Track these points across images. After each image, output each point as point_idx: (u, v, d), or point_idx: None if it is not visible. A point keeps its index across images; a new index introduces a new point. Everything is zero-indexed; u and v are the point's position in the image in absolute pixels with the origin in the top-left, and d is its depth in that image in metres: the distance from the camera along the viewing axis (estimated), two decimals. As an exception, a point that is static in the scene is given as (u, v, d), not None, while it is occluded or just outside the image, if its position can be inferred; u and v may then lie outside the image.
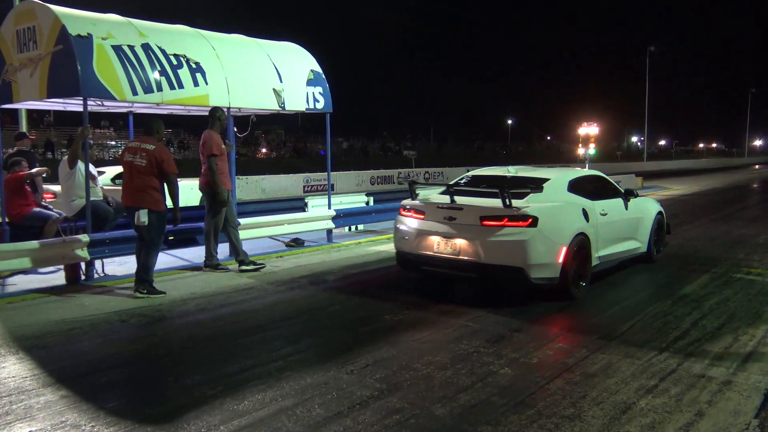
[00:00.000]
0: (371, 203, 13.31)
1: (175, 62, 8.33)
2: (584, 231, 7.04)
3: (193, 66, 8.53)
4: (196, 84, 8.52)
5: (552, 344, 5.35)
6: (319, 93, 10.45)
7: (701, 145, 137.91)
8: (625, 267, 8.51)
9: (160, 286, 7.20)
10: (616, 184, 8.68)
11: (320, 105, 10.47)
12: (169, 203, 7.19)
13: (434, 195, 7.55)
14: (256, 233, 9.69)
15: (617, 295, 7.30)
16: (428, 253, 7.01)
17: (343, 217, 11.12)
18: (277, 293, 7.30)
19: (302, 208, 12.08)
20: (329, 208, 11.26)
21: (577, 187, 7.56)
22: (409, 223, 7.30)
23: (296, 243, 10.53)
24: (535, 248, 6.47)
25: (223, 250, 8.92)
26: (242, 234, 8.93)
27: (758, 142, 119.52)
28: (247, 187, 21.01)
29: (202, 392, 4.33)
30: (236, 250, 8.55)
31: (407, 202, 7.52)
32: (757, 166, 64.71)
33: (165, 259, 8.88)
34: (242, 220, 9.25)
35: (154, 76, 8.03)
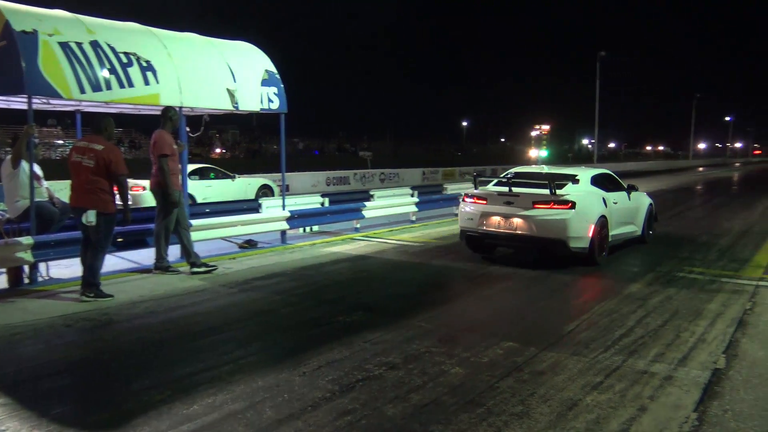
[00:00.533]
0: (326, 204, 13.28)
1: (125, 60, 8.14)
2: (604, 214, 9.05)
3: (144, 64, 8.35)
4: (146, 83, 8.35)
5: (502, 343, 5.43)
6: (274, 93, 10.38)
7: (648, 148, 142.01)
8: (572, 269, 8.70)
9: (107, 289, 7.02)
10: (620, 180, 10.68)
11: (275, 105, 10.39)
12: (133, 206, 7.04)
13: (490, 186, 9.51)
14: (209, 235, 9.55)
15: (565, 294, 7.46)
16: (491, 230, 8.94)
17: (297, 218, 11.05)
18: (229, 295, 7.21)
19: (256, 209, 11.96)
20: (283, 209, 11.18)
21: (597, 181, 9.59)
22: (474, 207, 9.16)
23: (249, 244, 10.42)
24: (574, 225, 8.48)
25: (174, 252, 8.77)
26: (194, 235, 8.79)
27: (702, 145, 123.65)
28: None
29: (150, 397, 4.25)
30: (187, 252, 8.42)
31: (470, 191, 9.43)
32: (701, 168, 66.93)
33: (113, 261, 8.67)
34: (194, 221, 9.10)
35: (103, 74, 7.84)
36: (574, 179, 9.28)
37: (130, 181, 16.33)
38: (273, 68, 10.43)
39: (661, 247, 10.73)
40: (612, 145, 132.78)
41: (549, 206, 8.53)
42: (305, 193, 17.56)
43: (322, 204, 13.24)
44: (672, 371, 4.81)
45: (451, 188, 19.58)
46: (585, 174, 9.63)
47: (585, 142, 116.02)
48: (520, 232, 8.68)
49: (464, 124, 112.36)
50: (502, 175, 9.97)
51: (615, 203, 9.53)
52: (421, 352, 5.19)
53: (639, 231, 10.71)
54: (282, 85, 10.52)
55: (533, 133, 27.10)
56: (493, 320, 6.23)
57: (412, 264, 9.22)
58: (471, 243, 9.47)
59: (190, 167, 15.52)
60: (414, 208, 14.06)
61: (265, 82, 10.22)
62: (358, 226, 12.52)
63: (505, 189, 8.99)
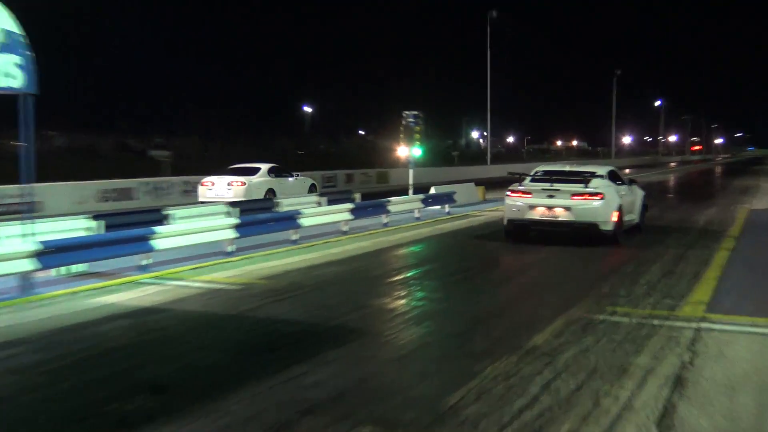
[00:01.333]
0: (98, 230, 12.75)
1: None
2: (620, 203, 15.46)
3: None
4: None
5: (357, 428, 5.42)
6: (16, 65, 9.97)
7: (559, 143, 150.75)
8: (440, 311, 8.95)
9: None
10: (622, 175, 17.49)
11: (17, 82, 10.01)
12: None
13: (526, 182, 16.03)
14: None
15: (443, 351, 7.63)
16: (536, 218, 15.30)
17: (52, 253, 10.48)
18: (-67, 379, 6.69)
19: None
20: (28, 238, 10.57)
21: (611, 176, 16.18)
22: (520, 200, 15.54)
23: (-29, 297, 9.78)
24: (603, 212, 14.89)
25: None
26: None
27: (627, 139, 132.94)
28: None
29: None
30: None
31: (515, 186, 15.96)
32: (627, 171, 72.04)
33: None
34: None
35: None
36: (597, 175, 15.71)
37: (212, 178, 26.55)
38: (15, 28, 10.06)
39: (576, 282, 11.32)
40: (511, 139, 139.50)
41: (584, 197, 14.83)
42: (68, 214, 16.92)
43: (92, 230, 12.71)
44: (589, 455, 5.02)
45: (287, 203, 19.59)
46: (603, 170, 16.41)
47: (475, 135, 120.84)
48: (561, 218, 14.96)
49: (308, 110, 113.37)
50: (532, 173, 16.63)
51: (623, 194, 15.98)
52: (236, 451, 5.07)
53: (637, 219, 17.26)
54: (30, 54, 10.21)
55: (403, 124, 27.53)
56: (342, 395, 6.23)
57: (227, 317, 9.15)
58: (517, 231, 15.82)
59: (268, 165, 27.57)
60: (231, 234, 13.90)
61: (3, 48, 9.75)
62: (148, 261, 12.14)
63: (547, 185, 15.34)
